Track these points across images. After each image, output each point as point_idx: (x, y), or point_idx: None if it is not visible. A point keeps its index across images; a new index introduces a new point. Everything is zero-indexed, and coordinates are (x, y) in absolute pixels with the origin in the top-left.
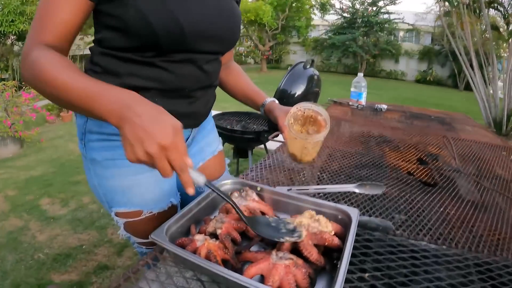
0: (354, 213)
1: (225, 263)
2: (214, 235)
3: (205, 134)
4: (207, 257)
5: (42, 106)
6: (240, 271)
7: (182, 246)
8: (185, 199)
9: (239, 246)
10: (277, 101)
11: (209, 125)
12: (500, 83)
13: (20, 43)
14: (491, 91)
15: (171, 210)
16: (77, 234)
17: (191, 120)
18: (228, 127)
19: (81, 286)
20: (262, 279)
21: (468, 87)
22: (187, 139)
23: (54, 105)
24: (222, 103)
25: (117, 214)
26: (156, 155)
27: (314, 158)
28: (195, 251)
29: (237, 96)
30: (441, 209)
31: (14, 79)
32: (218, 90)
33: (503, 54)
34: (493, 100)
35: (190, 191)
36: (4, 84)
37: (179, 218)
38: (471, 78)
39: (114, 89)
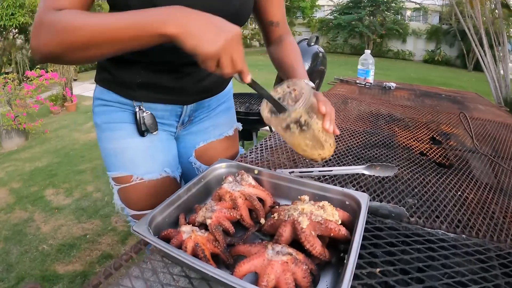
0: (363, 199)
1: (216, 257)
2: (204, 226)
3: (212, 115)
4: (194, 252)
5: (46, 98)
6: (232, 267)
7: (167, 239)
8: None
9: (232, 238)
10: (312, 85)
11: (220, 106)
12: (511, 64)
13: (22, 36)
14: (502, 72)
15: (167, 183)
16: (81, 224)
17: (179, 95)
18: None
19: (85, 276)
20: (257, 277)
21: (477, 68)
22: (180, 116)
23: (57, 96)
24: None
25: (113, 180)
26: (232, 42)
27: (319, 152)
28: (180, 245)
29: (279, 72)
30: (458, 193)
31: (18, 73)
32: None
33: None
34: (504, 80)
35: (248, 78)
36: (5, 77)
37: (166, 206)
38: (481, 57)
39: (152, 8)
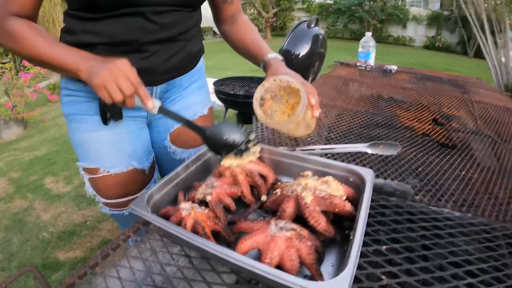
0: (368, 175)
1: (216, 235)
2: (204, 203)
3: (184, 95)
4: (194, 229)
5: (44, 87)
6: (233, 245)
7: (166, 217)
8: (166, 168)
9: (233, 215)
10: (281, 58)
11: (192, 85)
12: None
13: None
14: (503, 59)
15: (134, 175)
16: (81, 211)
17: (147, 76)
18: (231, 92)
19: (86, 262)
20: (260, 254)
21: (477, 54)
22: None
23: (55, 85)
24: (225, 71)
25: (82, 169)
26: (116, 70)
27: (306, 133)
28: (179, 222)
29: (240, 51)
30: (462, 173)
31: (14, 62)
32: (221, 58)
33: None
34: (505, 67)
35: (150, 104)
36: (2, 67)
37: (164, 184)
38: (483, 44)
39: (76, 53)
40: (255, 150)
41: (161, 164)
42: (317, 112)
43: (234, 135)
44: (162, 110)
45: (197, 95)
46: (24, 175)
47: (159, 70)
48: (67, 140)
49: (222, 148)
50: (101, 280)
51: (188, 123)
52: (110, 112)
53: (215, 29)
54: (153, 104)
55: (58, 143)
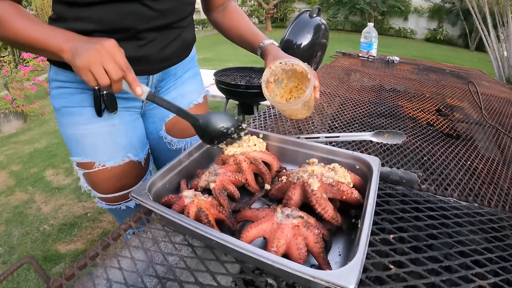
0: (375, 163)
1: (220, 224)
2: (207, 191)
3: (178, 84)
4: (197, 217)
5: (43, 79)
6: (238, 233)
7: (169, 205)
8: (162, 159)
9: (237, 203)
10: (277, 44)
11: (186, 73)
12: None
13: None
14: (505, 53)
15: (131, 167)
16: (81, 203)
17: (143, 65)
18: (232, 83)
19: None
20: (266, 243)
21: (479, 48)
22: None
23: None
24: (226, 63)
25: (76, 165)
26: (102, 51)
27: (307, 115)
28: (182, 210)
29: (234, 40)
30: (468, 163)
31: (13, 55)
32: (222, 50)
33: None
34: (507, 61)
35: (139, 90)
36: (1, 61)
37: (166, 172)
38: (485, 37)
39: (59, 32)
40: (259, 140)
41: (156, 155)
42: (318, 95)
43: (226, 123)
44: (151, 97)
45: (191, 83)
46: (25, 168)
47: (156, 59)
48: None
49: (214, 137)
50: (102, 271)
51: (179, 111)
52: (104, 103)
53: None
54: (142, 90)
55: (58, 136)
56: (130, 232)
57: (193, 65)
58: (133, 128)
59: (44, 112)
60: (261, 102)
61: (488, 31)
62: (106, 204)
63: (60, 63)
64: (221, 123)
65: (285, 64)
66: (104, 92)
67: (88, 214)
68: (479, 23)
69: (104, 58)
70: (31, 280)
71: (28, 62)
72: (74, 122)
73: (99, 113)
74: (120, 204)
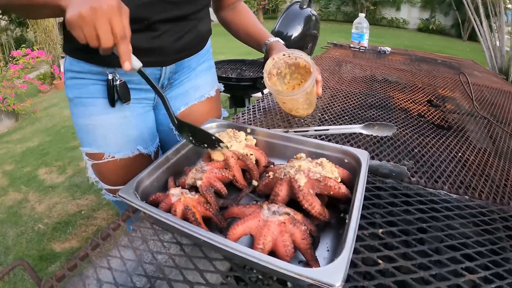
0: (363, 156)
1: (208, 221)
2: (194, 188)
3: (192, 76)
4: (184, 216)
5: (34, 77)
6: (225, 231)
7: (156, 204)
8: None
9: (225, 200)
10: (282, 42)
11: (201, 66)
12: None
13: (6, 17)
14: (498, 43)
15: (140, 160)
16: (75, 200)
17: (157, 56)
18: (223, 75)
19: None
20: (252, 240)
21: (471, 38)
22: (158, 80)
23: (45, 74)
24: (218, 55)
25: (86, 155)
26: (99, 12)
27: (308, 112)
28: (169, 209)
29: (241, 37)
30: (459, 155)
31: (3, 54)
32: (214, 43)
33: (508, 5)
34: (500, 51)
35: (127, 65)
36: None
37: (153, 169)
38: (478, 27)
39: None
40: (249, 137)
41: (166, 148)
42: (320, 90)
43: (204, 141)
44: (141, 73)
45: (205, 76)
46: (17, 167)
47: (170, 50)
48: (59, 130)
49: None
50: (92, 271)
51: (163, 99)
52: (117, 94)
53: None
54: (130, 66)
55: (50, 133)
56: (129, 224)
57: (207, 58)
58: (144, 121)
59: (35, 110)
60: (252, 95)
61: (480, 21)
62: (113, 196)
63: (75, 52)
64: (200, 139)
65: (289, 56)
66: (118, 82)
67: (82, 212)
68: (472, 13)
69: (98, 20)
70: (28, 280)
71: (18, 60)
72: (87, 112)
73: (112, 103)
74: None
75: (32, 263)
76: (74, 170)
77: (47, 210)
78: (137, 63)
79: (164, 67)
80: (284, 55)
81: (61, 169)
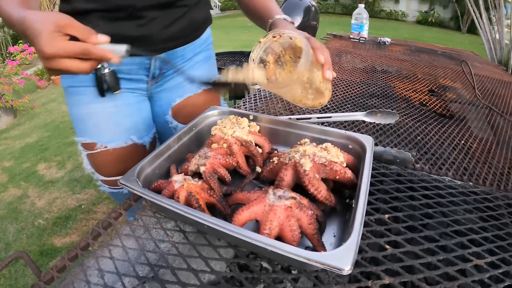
0: (368, 142)
1: (212, 208)
2: (198, 175)
3: (187, 67)
4: (188, 202)
5: (31, 73)
6: (230, 217)
7: (159, 191)
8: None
9: (228, 187)
10: (289, 20)
11: (197, 56)
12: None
13: None
14: (497, 36)
15: (134, 151)
16: (75, 195)
17: (145, 45)
18: (222, 67)
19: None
20: (258, 226)
21: (471, 30)
22: (148, 69)
23: (43, 70)
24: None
25: (82, 145)
26: (48, 56)
27: (320, 101)
28: (172, 195)
29: (250, 16)
30: (462, 142)
31: (0, 50)
32: (213, 35)
33: None
34: (499, 43)
35: (114, 61)
36: None
37: (155, 157)
38: (477, 19)
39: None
40: (252, 124)
41: (163, 139)
42: (329, 73)
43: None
44: (132, 50)
45: (201, 67)
46: (17, 163)
47: (158, 39)
48: (58, 125)
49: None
50: (93, 261)
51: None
52: (106, 83)
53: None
54: (118, 59)
55: (49, 129)
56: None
57: (205, 48)
58: (138, 111)
59: (34, 106)
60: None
61: (480, 13)
62: (108, 188)
63: None
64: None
65: (279, 36)
66: (105, 71)
67: (82, 206)
68: (471, 5)
69: (53, 62)
70: (29, 275)
71: (15, 56)
72: (79, 101)
73: (102, 92)
74: (122, 188)
75: (33, 258)
76: (73, 165)
77: (47, 205)
78: (121, 49)
79: (156, 56)
80: (274, 37)
81: (60, 164)
